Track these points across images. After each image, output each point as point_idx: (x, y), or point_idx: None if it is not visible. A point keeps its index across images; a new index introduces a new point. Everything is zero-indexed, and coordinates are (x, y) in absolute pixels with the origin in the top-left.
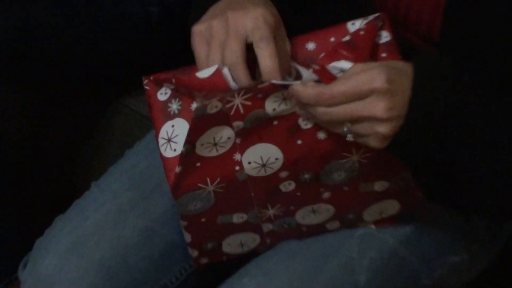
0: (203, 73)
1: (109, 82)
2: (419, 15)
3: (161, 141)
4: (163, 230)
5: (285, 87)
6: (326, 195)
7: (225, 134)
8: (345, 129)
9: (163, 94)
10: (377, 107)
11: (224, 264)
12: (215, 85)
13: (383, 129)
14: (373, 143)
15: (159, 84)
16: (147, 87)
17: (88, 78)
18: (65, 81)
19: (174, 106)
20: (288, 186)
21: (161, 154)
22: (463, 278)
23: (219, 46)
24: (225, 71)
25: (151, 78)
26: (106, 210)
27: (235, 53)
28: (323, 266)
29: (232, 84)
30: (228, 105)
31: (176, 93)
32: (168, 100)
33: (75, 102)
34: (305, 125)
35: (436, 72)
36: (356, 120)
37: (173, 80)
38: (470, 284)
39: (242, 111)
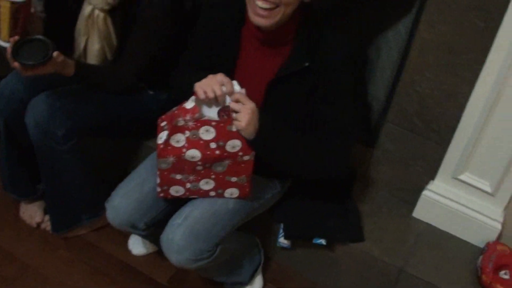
0: (188, 105)
1: (141, 135)
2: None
3: (158, 138)
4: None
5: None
6: (213, 176)
7: (182, 138)
8: (234, 115)
9: (163, 123)
10: (248, 109)
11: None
12: (192, 111)
13: (243, 115)
14: (241, 123)
15: (162, 121)
16: (160, 122)
17: (134, 134)
18: (123, 135)
19: (166, 127)
20: (200, 167)
21: (157, 143)
22: (272, 202)
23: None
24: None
25: (162, 118)
26: (137, 180)
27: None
28: (217, 200)
29: (201, 110)
30: (186, 123)
31: (167, 123)
32: (164, 125)
33: (129, 141)
34: (211, 146)
35: (268, 116)
36: (239, 109)
37: (166, 118)
38: (274, 205)
39: (190, 128)
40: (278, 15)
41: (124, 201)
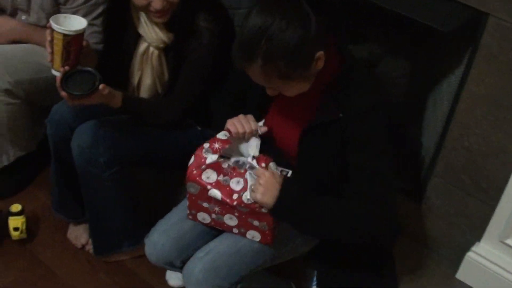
0: (221, 136)
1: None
2: (287, 153)
3: (192, 159)
4: (197, 226)
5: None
6: (236, 214)
7: (213, 177)
8: (252, 186)
9: (206, 145)
10: (262, 184)
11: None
12: (225, 143)
13: (259, 191)
14: (257, 195)
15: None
16: (202, 144)
17: (176, 166)
18: (165, 167)
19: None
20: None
21: (189, 165)
22: (304, 248)
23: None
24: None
25: (208, 141)
26: (177, 217)
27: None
28: (243, 238)
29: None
30: (227, 169)
31: (210, 147)
32: (205, 150)
33: (173, 175)
34: (234, 197)
35: (292, 183)
36: (256, 184)
37: (209, 144)
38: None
39: (226, 172)
40: (295, 92)
41: (162, 238)
